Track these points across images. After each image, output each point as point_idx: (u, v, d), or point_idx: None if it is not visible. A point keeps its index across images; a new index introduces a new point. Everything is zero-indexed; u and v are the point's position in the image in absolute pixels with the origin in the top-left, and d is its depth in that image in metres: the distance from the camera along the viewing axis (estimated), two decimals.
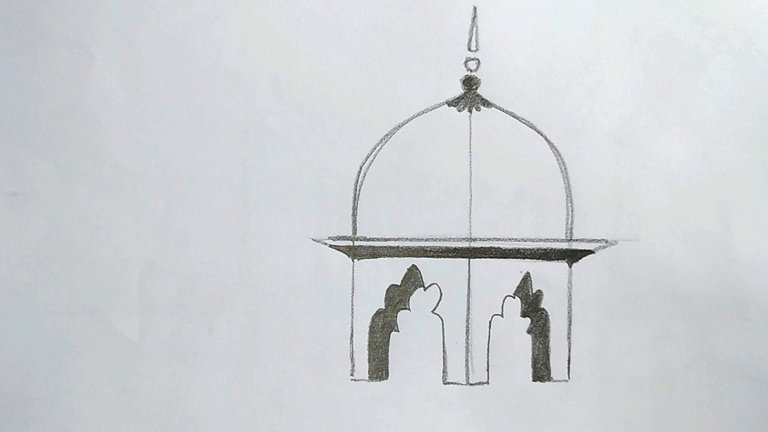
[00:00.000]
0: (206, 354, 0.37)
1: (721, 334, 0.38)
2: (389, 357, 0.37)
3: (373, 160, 0.37)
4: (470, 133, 0.37)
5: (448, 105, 0.37)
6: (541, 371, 0.37)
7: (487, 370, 0.37)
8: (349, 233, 0.37)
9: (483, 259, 0.37)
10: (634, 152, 0.37)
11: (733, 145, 0.38)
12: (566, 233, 0.37)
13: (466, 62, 0.37)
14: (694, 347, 0.37)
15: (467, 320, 0.37)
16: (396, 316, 0.37)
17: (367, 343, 0.37)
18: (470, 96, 0.37)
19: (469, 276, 0.37)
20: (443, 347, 0.37)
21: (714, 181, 0.38)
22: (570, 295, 0.37)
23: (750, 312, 0.38)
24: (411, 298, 0.37)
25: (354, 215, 0.37)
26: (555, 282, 0.37)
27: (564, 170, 0.37)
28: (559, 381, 0.37)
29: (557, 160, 0.37)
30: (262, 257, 0.37)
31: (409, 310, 0.37)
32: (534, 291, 0.37)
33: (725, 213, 0.38)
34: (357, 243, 0.37)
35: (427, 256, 0.37)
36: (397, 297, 0.37)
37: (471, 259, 0.37)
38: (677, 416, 0.37)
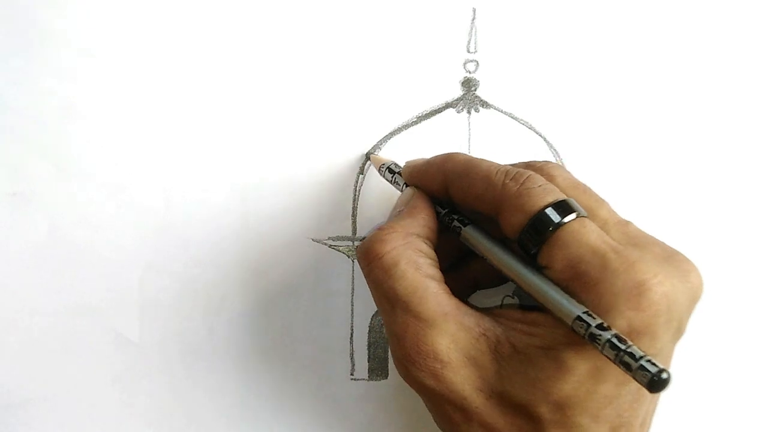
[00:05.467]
0: (206, 354, 0.37)
1: (719, 334, 0.38)
2: (389, 357, 0.37)
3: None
4: (469, 135, 0.38)
5: (447, 106, 0.37)
6: None
7: None
8: (349, 233, 0.37)
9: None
10: (634, 153, 0.38)
11: (733, 145, 0.38)
12: None
13: (465, 64, 0.37)
14: (694, 347, 0.37)
15: None
16: None
17: (366, 343, 0.37)
18: (469, 97, 0.37)
19: None
20: None
21: (715, 181, 0.38)
22: None
23: (749, 312, 0.38)
24: None
25: (354, 215, 0.37)
26: None
27: None
28: None
29: (556, 161, 0.37)
30: (262, 257, 0.37)
31: None
32: None
33: (726, 213, 0.38)
34: (357, 243, 0.37)
35: None
36: None
37: None
38: (676, 415, 0.38)
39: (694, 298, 0.27)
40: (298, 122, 0.37)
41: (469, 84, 0.37)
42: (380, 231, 0.30)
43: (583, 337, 0.25)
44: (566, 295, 0.26)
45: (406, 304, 0.28)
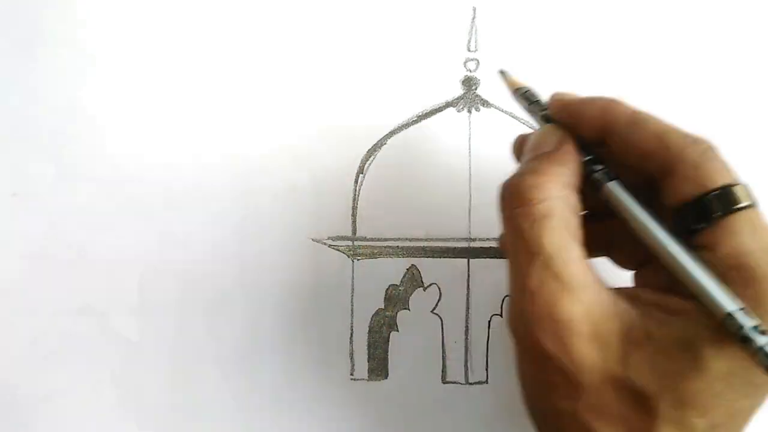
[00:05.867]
0: (206, 354, 0.37)
1: None
2: (389, 357, 0.37)
3: (373, 161, 0.37)
4: (470, 134, 0.37)
5: (448, 105, 0.37)
6: None
7: (486, 370, 0.37)
8: (349, 233, 0.37)
9: (482, 259, 0.37)
10: None
11: (733, 145, 0.38)
12: None
13: (465, 63, 0.37)
14: None
15: (467, 320, 0.37)
16: (396, 316, 0.37)
17: (366, 343, 0.37)
18: (470, 96, 0.37)
19: (469, 276, 0.37)
20: (443, 347, 0.37)
21: None
22: None
23: None
24: (411, 298, 0.37)
25: (354, 215, 0.37)
26: None
27: None
28: None
29: None
30: (262, 257, 0.37)
31: (409, 310, 0.37)
32: None
33: None
34: (357, 243, 0.37)
35: (427, 256, 0.37)
36: (397, 297, 0.37)
37: (470, 259, 0.37)
38: None
39: None
40: (299, 121, 0.37)
41: (469, 83, 0.37)
42: (534, 174, 0.27)
43: (734, 336, 0.23)
44: (723, 285, 0.24)
45: (550, 261, 0.26)
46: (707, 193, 0.25)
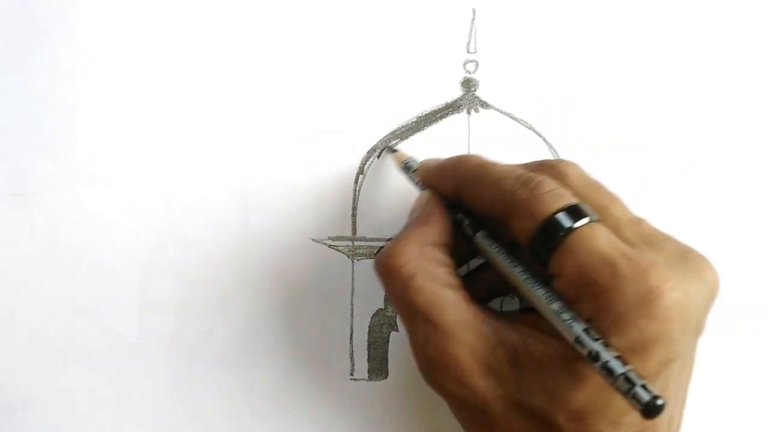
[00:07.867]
0: (206, 354, 0.37)
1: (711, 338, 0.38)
2: (389, 357, 0.37)
3: (373, 161, 0.37)
4: (469, 135, 0.38)
5: (447, 107, 0.37)
6: None
7: None
8: (349, 233, 0.37)
9: (481, 258, 0.37)
10: (633, 154, 0.38)
11: (736, 143, 0.38)
12: None
13: (464, 64, 0.37)
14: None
15: None
16: (396, 316, 0.37)
17: (366, 343, 0.37)
18: (469, 98, 0.37)
19: None
20: None
21: (714, 183, 0.38)
22: None
23: (742, 320, 0.38)
24: None
25: (354, 215, 0.37)
26: None
27: None
28: None
29: None
30: (262, 257, 0.37)
31: None
32: None
33: (726, 215, 0.38)
34: (357, 243, 0.37)
35: None
36: None
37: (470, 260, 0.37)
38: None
39: (710, 297, 0.27)
40: (299, 122, 0.37)
41: (468, 84, 0.37)
42: (396, 243, 0.30)
43: (583, 357, 0.25)
44: (566, 310, 0.26)
45: (425, 316, 0.28)
46: (541, 225, 0.26)
